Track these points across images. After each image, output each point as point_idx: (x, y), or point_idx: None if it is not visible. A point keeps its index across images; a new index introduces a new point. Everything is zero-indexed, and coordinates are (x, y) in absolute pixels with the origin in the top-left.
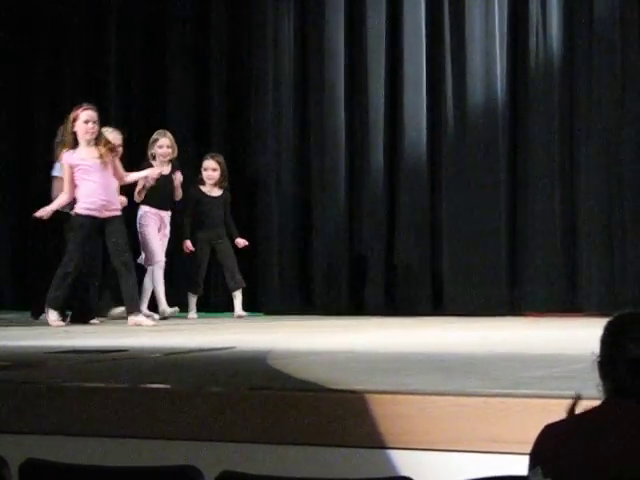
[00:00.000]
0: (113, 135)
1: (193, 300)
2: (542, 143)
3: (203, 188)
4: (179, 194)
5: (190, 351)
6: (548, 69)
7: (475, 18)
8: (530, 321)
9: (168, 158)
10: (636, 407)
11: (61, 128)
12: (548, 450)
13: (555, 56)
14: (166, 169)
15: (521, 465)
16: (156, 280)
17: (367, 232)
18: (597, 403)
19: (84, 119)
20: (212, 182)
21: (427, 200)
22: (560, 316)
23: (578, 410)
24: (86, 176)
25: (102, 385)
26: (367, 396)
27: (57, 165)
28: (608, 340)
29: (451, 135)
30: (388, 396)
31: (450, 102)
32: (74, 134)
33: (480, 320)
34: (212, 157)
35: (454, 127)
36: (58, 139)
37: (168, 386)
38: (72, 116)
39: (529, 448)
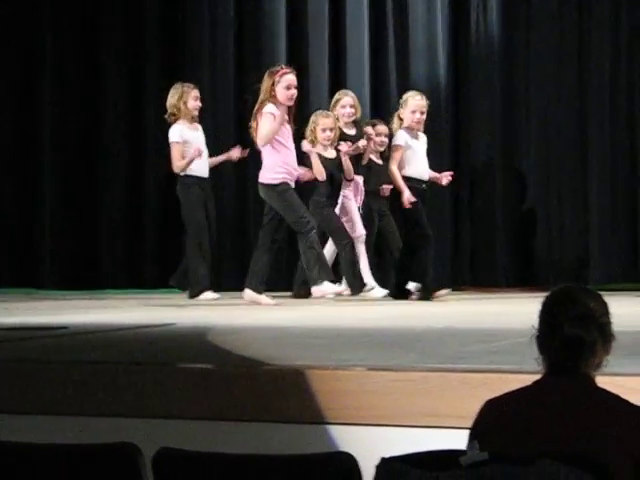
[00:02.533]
0: None
1: None
2: (483, 118)
3: None
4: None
5: (129, 328)
6: (489, 45)
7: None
8: (473, 296)
9: (352, 119)
10: (569, 384)
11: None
12: (487, 425)
13: (495, 33)
14: (352, 130)
15: (461, 439)
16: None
17: None
18: (537, 377)
19: (286, 84)
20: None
21: None
22: (505, 290)
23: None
24: (283, 141)
25: (38, 362)
26: (307, 371)
27: (176, 129)
28: (545, 316)
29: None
30: (328, 371)
31: (393, 79)
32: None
33: None
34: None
35: (397, 104)
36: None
37: (106, 362)
38: (272, 79)
39: (469, 422)
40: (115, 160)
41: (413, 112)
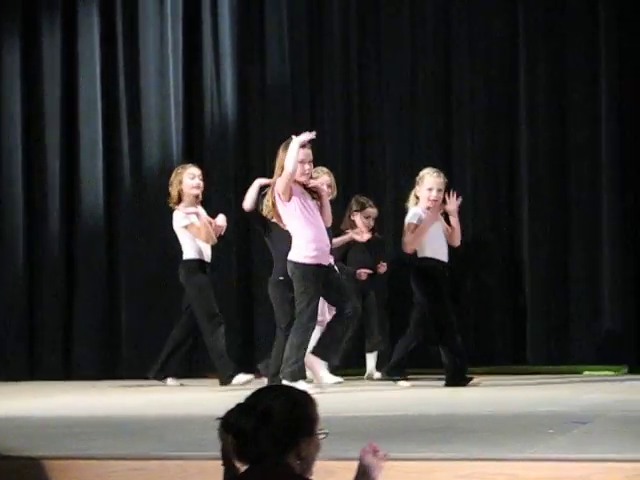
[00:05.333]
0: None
1: None
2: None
3: None
4: None
5: None
6: (223, 131)
7: (150, 81)
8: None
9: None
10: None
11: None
12: None
13: (230, 119)
14: None
15: None
16: None
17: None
18: None
19: (300, 158)
20: None
21: (105, 261)
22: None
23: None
24: (311, 218)
25: None
26: (46, 462)
27: (179, 215)
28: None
29: (129, 194)
30: (68, 461)
31: (127, 163)
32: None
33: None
34: None
35: (130, 186)
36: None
37: None
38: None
39: None
40: None
41: (430, 190)
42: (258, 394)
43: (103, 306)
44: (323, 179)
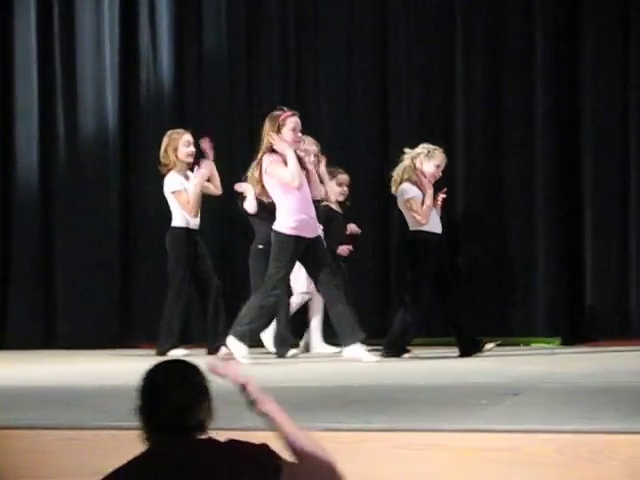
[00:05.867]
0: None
1: None
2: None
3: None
4: None
5: None
6: (159, 100)
7: (86, 50)
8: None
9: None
10: (184, 438)
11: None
12: None
13: (166, 89)
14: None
15: None
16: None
17: None
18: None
19: (291, 127)
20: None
21: (38, 233)
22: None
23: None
24: (297, 192)
25: None
26: None
27: (172, 178)
28: (151, 390)
29: (64, 162)
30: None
31: (62, 133)
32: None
33: (86, 353)
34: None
35: (65, 154)
36: None
37: None
38: (278, 122)
39: None
40: None
41: (438, 166)
42: (172, 369)
43: (38, 276)
44: (311, 149)
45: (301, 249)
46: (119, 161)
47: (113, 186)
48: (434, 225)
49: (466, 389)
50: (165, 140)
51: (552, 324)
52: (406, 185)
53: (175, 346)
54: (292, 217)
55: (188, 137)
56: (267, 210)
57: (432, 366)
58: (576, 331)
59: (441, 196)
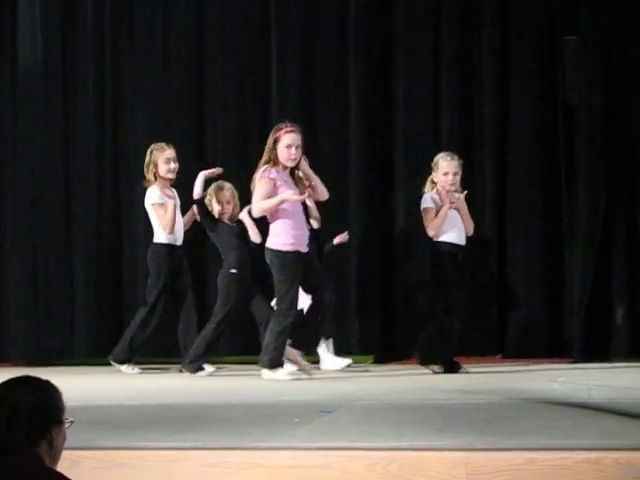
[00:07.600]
0: None
1: None
2: None
3: None
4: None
5: None
6: None
7: None
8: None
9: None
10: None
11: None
12: None
13: None
14: None
15: None
16: None
17: None
18: None
19: (287, 143)
20: None
21: None
22: None
23: None
24: (291, 205)
25: None
26: None
27: (156, 192)
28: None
29: None
30: None
31: None
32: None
33: None
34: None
35: None
36: None
37: None
38: (274, 136)
39: None
40: None
41: (446, 174)
42: (5, 385)
43: None
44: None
45: (301, 262)
46: None
47: None
48: (452, 236)
49: (279, 407)
50: (147, 154)
51: (364, 342)
52: (426, 195)
53: (129, 361)
54: (289, 233)
55: (168, 154)
56: (237, 236)
57: (245, 384)
58: (387, 350)
59: (457, 196)
